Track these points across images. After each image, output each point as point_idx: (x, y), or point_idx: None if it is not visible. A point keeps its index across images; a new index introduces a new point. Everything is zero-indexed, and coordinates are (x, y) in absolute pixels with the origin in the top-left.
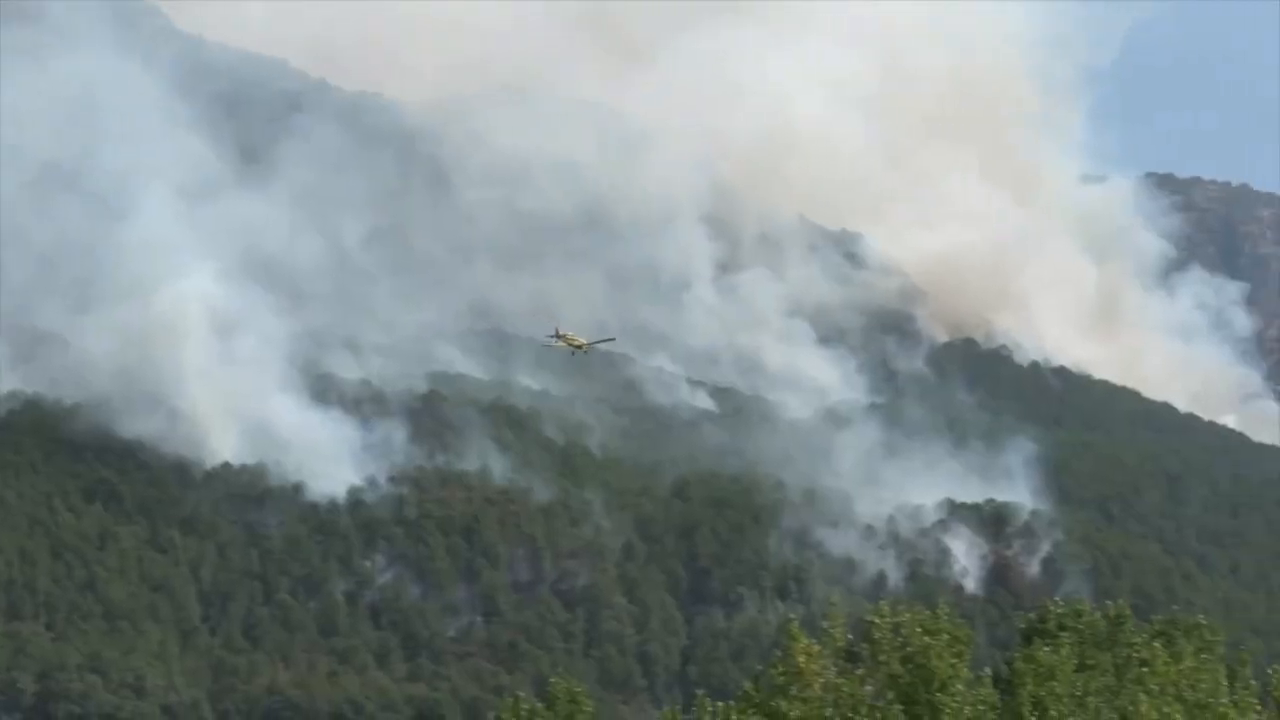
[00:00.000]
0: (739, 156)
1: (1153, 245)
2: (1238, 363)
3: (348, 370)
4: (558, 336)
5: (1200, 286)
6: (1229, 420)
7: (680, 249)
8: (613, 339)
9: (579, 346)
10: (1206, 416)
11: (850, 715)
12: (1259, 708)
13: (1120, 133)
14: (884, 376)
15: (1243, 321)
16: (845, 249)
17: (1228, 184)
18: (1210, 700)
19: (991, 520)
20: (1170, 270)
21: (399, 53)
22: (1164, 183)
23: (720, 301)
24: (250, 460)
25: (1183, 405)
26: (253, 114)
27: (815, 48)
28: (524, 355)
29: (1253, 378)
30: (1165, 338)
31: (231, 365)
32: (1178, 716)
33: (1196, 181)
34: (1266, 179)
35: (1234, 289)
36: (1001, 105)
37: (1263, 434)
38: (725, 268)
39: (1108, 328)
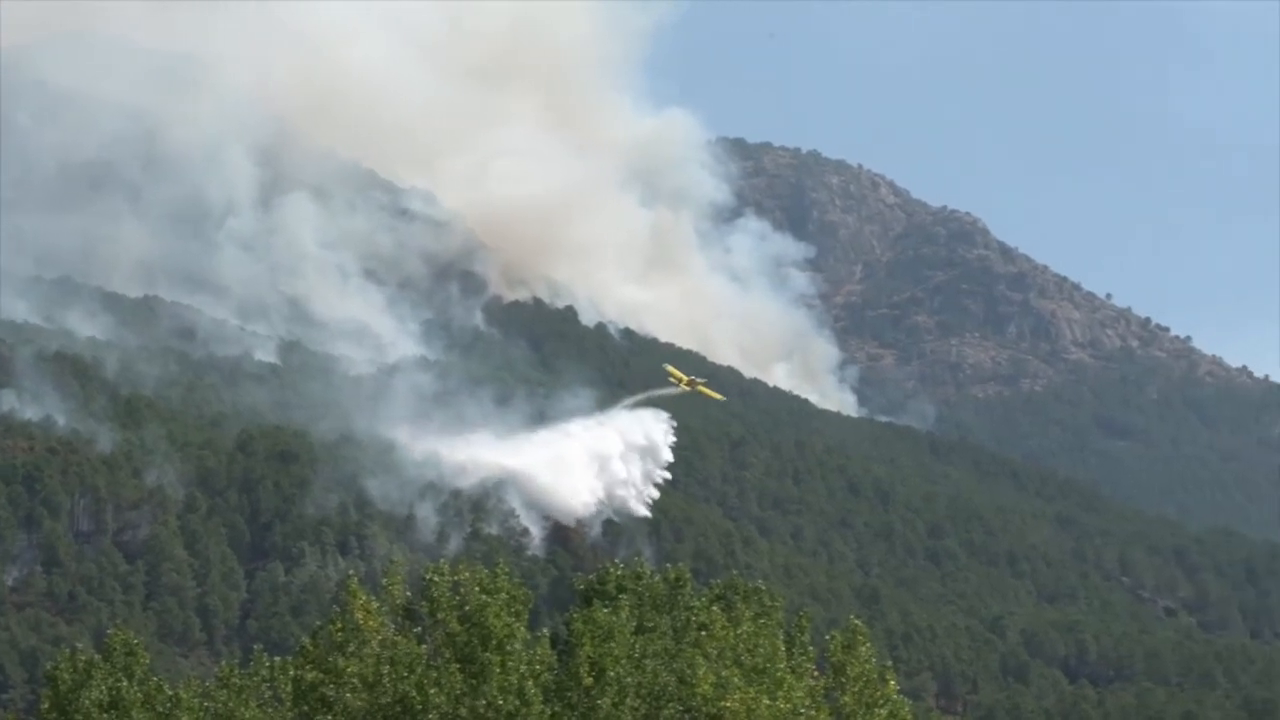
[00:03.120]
0: (291, 101)
1: (715, 200)
2: (800, 324)
3: None
4: (677, 380)
5: (763, 243)
6: (780, 371)
7: (231, 194)
8: (707, 382)
9: (690, 384)
10: (766, 375)
11: (407, 673)
12: (816, 673)
13: (688, 90)
14: (442, 331)
15: (806, 284)
16: (401, 199)
17: (798, 150)
18: (768, 665)
19: None
20: (732, 225)
21: None
22: (734, 147)
23: (274, 250)
24: None
25: (744, 364)
26: None
27: None
28: (83, 302)
29: (817, 341)
30: (725, 292)
31: None
32: (735, 680)
33: (766, 147)
34: (836, 146)
35: (798, 250)
36: (564, 55)
37: (823, 395)
38: (276, 213)
39: (666, 280)
